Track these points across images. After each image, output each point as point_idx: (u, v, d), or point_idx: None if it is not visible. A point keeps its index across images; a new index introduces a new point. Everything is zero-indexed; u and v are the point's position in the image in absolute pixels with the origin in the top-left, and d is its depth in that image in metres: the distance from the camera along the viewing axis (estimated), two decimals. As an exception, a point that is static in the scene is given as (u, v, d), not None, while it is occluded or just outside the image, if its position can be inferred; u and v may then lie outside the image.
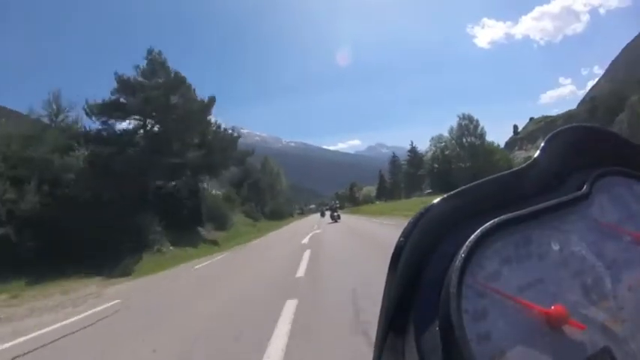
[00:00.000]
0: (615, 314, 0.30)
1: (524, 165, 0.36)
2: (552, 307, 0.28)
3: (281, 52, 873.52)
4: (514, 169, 0.35)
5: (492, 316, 0.27)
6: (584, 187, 0.35)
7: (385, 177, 76.57)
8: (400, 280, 0.30)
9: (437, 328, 0.27)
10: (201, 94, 20.41)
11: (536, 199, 0.34)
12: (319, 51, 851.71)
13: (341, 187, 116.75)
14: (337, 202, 36.15)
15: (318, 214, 40.23)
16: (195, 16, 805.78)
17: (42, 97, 19.25)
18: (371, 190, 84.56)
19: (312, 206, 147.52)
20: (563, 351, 0.27)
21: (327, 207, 32.31)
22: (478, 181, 0.34)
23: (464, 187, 0.34)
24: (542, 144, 0.37)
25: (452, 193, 0.33)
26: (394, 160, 72.35)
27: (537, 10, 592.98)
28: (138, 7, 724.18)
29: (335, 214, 23.86)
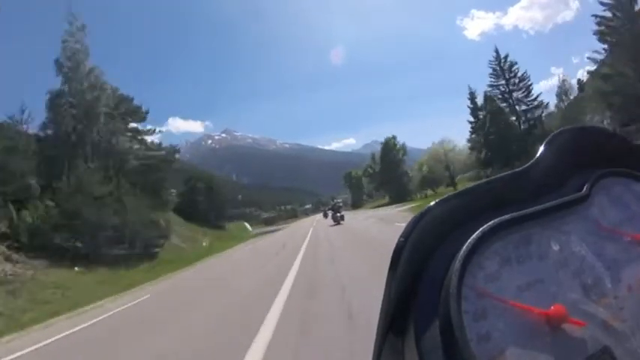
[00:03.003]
0: (615, 314, 0.30)
1: (524, 165, 0.36)
2: (552, 308, 0.28)
3: (271, 52, 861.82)
4: (515, 169, 0.35)
5: (492, 316, 0.27)
6: (585, 188, 0.35)
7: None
8: (400, 281, 0.30)
9: (437, 329, 0.27)
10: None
11: (536, 200, 0.34)
12: (309, 50, 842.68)
13: (339, 187, 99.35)
14: (340, 200, 31.34)
15: (311, 217, 33.12)
16: (186, 16, 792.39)
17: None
18: (459, 147, 39.62)
19: (308, 206, 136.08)
20: (563, 351, 0.27)
21: (329, 207, 28.71)
22: (479, 182, 0.35)
23: (464, 187, 0.34)
24: (543, 145, 0.37)
25: (452, 193, 0.33)
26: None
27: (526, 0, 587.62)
28: (131, 4, 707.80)
29: (338, 214, 21.29)
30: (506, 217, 0.31)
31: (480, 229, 0.30)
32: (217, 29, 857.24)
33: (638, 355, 0.29)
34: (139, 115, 22.36)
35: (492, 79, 37.46)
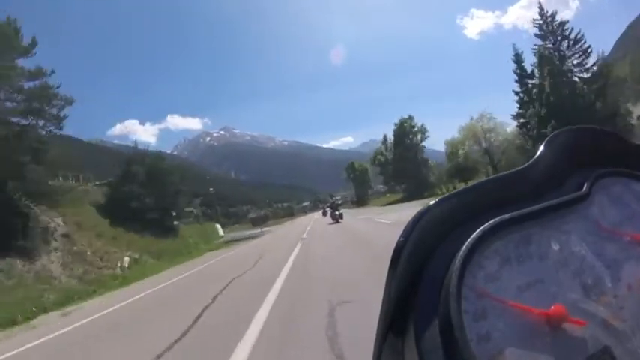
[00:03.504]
0: (615, 313, 0.30)
1: (525, 165, 0.36)
2: (552, 307, 0.27)
3: (271, 51, 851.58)
4: (515, 169, 0.35)
5: (492, 316, 0.27)
6: (584, 188, 0.35)
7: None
8: (400, 281, 0.29)
9: (437, 329, 0.26)
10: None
11: (536, 200, 0.34)
12: (309, 50, 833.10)
13: (338, 184, 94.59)
14: (339, 198, 27.86)
15: (308, 216, 31.64)
16: (185, 14, 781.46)
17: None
18: (499, 124, 33.49)
19: (306, 204, 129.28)
20: (563, 351, 0.27)
21: (328, 205, 26.22)
22: (479, 181, 0.35)
23: (464, 187, 0.34)
24: (543, 145, 0.37)
25: (452, 192, 0.33)
26: None
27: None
28: (132, 3, 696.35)
29: (337, 212, 20.14)
30: (507, 216, 0.30)
31: (480, 228, 0.29)
32: (216, 27, 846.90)
33: (638, 354, 0.29)
34: (13, 46, 13.09)
35: (538, 42, 28.72)
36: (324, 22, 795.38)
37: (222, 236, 27.95)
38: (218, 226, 33.21)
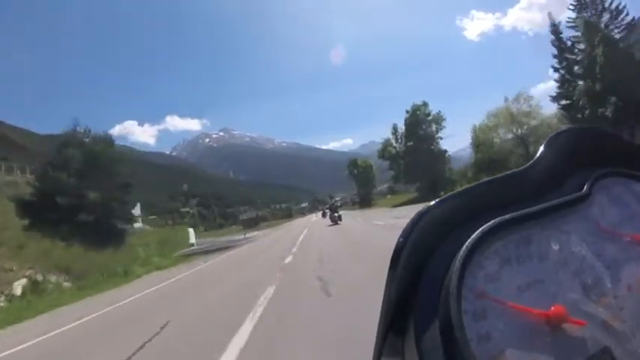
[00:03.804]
0: (615, 314, 0.30)
1: (525, 165, 0.36)
2: (552, 308, 0.27)
3: (270, 51, 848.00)
4: (515, 169, 0.35)
5: (492, 316, 0.27)
6: (585, 188, 0.35)
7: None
8: (400, 281, 0.29)
9: (437, 329, 0.26)
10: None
11: (536, 200, 0.34)
12: (309, 50, 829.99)
13: (337, 185, 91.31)
14: (338, 199, 27.95)
15: (306, 218, 28.71)
16: (185, 14, 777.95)
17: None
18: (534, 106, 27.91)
19: (304, 204, 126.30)
20: (563, 351, 0.27)
21: (327, 207, 25.99)
22: (479, 181, 0.35)
23: (465, 187, 0.34)
24: (543, 145, 0.37)
25: (452, 193, 0.33)
26: None
27: (525, 1, 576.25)
28: (128, 4, 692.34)
29: (335, 214, 19.58)
30: (507, 216, 0.30)
31: (480, 228, 0.29)
32: (216, 27, 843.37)
33: (638, 355, 0.29)
34: None
35: (575, 13, 24.44)
36: (324, 22, 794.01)
37: (192, 244, 22.06)
38: (191, 230, 27.22)
